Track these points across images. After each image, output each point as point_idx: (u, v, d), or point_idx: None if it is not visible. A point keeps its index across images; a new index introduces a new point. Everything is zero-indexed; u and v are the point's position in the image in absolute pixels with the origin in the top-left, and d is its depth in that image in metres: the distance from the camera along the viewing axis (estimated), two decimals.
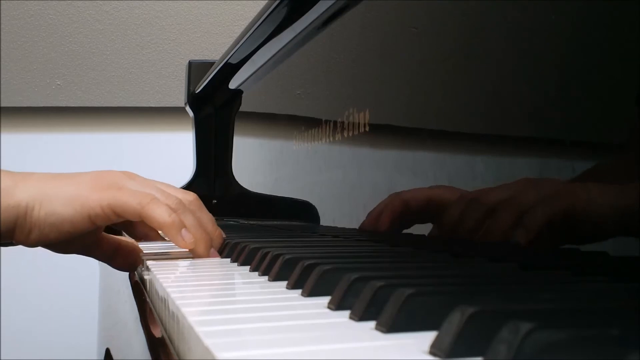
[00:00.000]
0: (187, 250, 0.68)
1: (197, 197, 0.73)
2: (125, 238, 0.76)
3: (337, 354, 0.28)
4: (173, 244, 0.69)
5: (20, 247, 0.80)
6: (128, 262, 0.73)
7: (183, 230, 0.66)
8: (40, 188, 0.65)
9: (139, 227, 0.79)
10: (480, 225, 0.50)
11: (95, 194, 0.65)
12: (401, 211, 0.63)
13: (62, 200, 0.64)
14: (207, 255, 0.68)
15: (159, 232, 0.74)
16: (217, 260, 0.69)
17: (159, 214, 0.65)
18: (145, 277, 0.64)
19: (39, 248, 0.75)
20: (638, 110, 0.37)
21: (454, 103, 0.57)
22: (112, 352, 0.84)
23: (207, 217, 0.72)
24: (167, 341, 0.43)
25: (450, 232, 0.55)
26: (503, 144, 0.50)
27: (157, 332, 0.46)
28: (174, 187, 0.73)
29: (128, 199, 0.65)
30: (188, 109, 1.53)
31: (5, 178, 0.65)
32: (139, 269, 0.71)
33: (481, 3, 0.53)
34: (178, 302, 0.41)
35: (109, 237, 0.73)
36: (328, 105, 0.85)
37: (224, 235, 0.75)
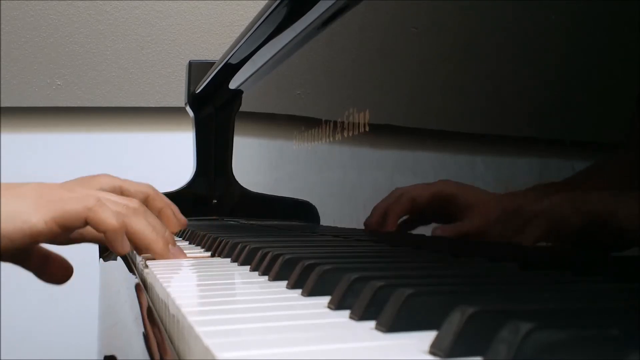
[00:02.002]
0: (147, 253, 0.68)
1: (141, 202, 0.71)
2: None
3: (337, 354, 0.28)
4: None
5: None
6: (57, 276, 0.72)
7: (124, 238, 0.65)
8: None
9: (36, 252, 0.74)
10: (483, 222, 0.50)
11: (39, 209, 0.62)
12: (407, 208, 0.63)
13: (3, 214, 0.62)
14: (169, 254, 0.68)
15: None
16: (217, 260, 0.69)
17: (107, 216, 0.63)
18: (146, 277, 0.64)
19: None
20: (638, 109, 0.37)
21: (454, 103, 0.57)
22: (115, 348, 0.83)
23: (154, 219, 0.71)
24: (167, 341, 0.43)
25: (454, 229, 0.55)
26: (503, 144, 0.50)
27: (157, 332, 0.46)
28: (115, 195, 0.71)
29: (72, 206, 0.63)
30: (188, 109, 1.53)
31: None
32: (139, 269, 0.71)
33: (481, 3, 0.53)
34: (178, 302, 0.41)
35: (39, 248, 0.71)
36: (328, 105, 0.85)
37: (186, 223, 0.76)
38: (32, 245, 0.64)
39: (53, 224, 0.62)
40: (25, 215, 0.62)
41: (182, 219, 0.85)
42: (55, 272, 0.71)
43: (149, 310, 0.53)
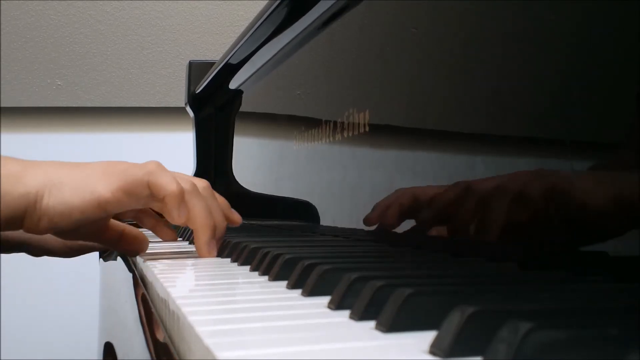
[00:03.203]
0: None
1: (209, 184, 0.73)
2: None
3: (337, 354, 0.28)
4: (174, 245, 0.69)
5: None
6: (133, 248, 0.74)
7: (182, 205, 0.66)
8: (50, 176, 0.64)
9: (146, 218, 0.78)
10: (485, 220, 0.50)
11: (105, 180, 0.65)
12: (409, 210, 0.63)
13: (72, 189, 0.64)
14: (206, 245, 0.68)
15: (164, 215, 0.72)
16: (217, 260, 0.69)
17: (166, 181, 0.65)
18: (146, 276, 0.64)
19: None
20: (638, 109, 0.37)
21: (454, 103, 0.57)
22: (115, 347, 0.84)
23: (216, 206, 0.72)
24: (168, 341, 0.43)
25: (457, 229, 0.55)
26: (503, 144, 0.50)
27: (158, 332, 0.46)
28: (187, 175, 0.73)
29: (135, 172, 0.65)
30: (188, 109, 1.53)
31: (14, 164, 0.64)
32: (139, 269, 0.71)
33: (481, 3, 0.53)
34: (178, 301, 0.41)
35: (114, 223, 0.73)
36: (328, 105, 0.85)
37: (240, 221, 0.76)
38: (104, 215, 0.66)
39: (119, 192, 0.64)
40: (92, 186, 0.64)
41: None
42: (131, 244, 0.73)
43: (150, 310, 0.54)
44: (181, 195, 0.66)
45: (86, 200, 0.64)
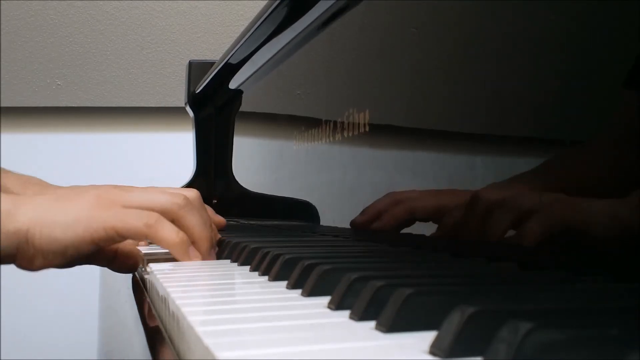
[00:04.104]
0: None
1: (199, 194, 0.73)
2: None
3: (337, 354, 0.28)
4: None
5: None
6: (127, 265, 0.73)
7: (190, 248, 0.65)
8: (41, 213, 0.63)
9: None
10: (483, 227, 0.50)
11: (98, 216, 0.63)
12: (404, 216, 0.63)
13: (64, 226, 0.63)
14: (207, 255, 0.68)
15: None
16: (217, 260, 0.69)
17: (167, 234, 0.64)
18: (146, 277, 0.64)
19: None
20: (638, 109, 0.37)
21: (454, 103, 0.57)
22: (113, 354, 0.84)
23: (207, 217, 0.72)
24: (167, 341, 0.43)
25: (454, 233, 0.55)
26: (503, 144, 0.50)
27: (157, 332, 0.46)
28: (173, 188, 0.72)
29: (133, 221, 0.63)
30: (188, 109, 1.53)
31: (5, 201, 0.63)
32: (139, 269, 0.71)
33: (481, 3, 0.53)
34: (178, 302, 0.41)
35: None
36: (328, 105, 0.85)
37: (224, 223, 0.75)
38: (97, 249, 0.65)
39: (113, 231, 0.63)
40: (85, 222, 0.63)
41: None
42: (125, 261, 0.72)
43: (149, 310, 0.54)
44: (185, 243, 0.66)
45: (79, 236, 0.63)
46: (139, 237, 0.64)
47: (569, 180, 0.43)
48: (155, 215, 0.65)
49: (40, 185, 0.87)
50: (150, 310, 0.53)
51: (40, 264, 0.64)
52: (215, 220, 0.78)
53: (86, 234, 0.63)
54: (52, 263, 0.64)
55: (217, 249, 0.72)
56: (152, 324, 0.49)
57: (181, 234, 0.65)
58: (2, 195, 0.63)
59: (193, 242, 0.68)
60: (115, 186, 0.69)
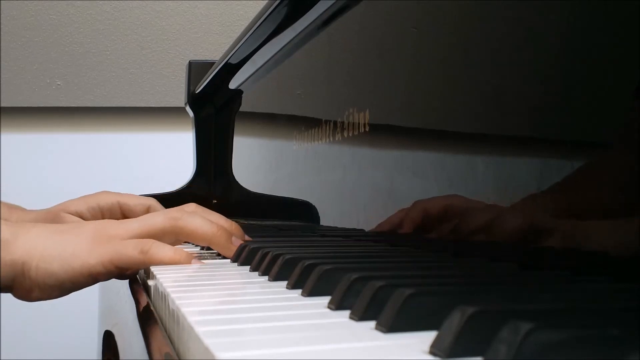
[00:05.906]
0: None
1: (196, 204, 0.74)
2: None
3: (337, 354, 0.28)
4: (175, 245, 0.69)
5: None
6: (126, 276, 0.73)
7: (193, 260, 0.65)
8: (36, 245, 0.63)
9: None
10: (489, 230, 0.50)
11: (96, 249, 0.63)
12: (422, 223, 0.63)
13: (61, 260, 0.62)
14: (226, 249, 0.68)
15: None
16: (217, 260, 0.69)
17: (163, 255, 0.64)
18: (146, 277, 0.64)
19: None
20: (638, 109, 0.37)
21: (454, 103, 0.57)
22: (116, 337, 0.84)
23: (211, 214, 0.72)
24: (168, 341, 0.43)
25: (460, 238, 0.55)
26: (503, 144, 0.50)
27: (157, 332, 0.46)
28: (172, 209, 0.73)
29: (130, 251, 0.63)
30: (188, 109, 1.53)
31: (5, 231, 0.62)
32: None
33: (481, 3, 0.53)
34: (178, 302, 0.41)
35: None
36: (328, 105, 0.85)
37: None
38: (95, 283, 0.65)
39: (111, 265, 0.63)
40: (82, 257, 0.63)
41: None
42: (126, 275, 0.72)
43: (149, 310, 0.53)
44: (188, 258, 0.65)
45: (76, 271, 0.62)
46: (137, 266, 0.64)
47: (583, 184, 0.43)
48: (150, 240, 0.64)
49: (22, 210, 0.88)
50: (150, 310, 0.53)
51: (37, 296, 0.64)
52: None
53: (84, 269, 0.63)
54: (49, 296, 0.64)
55: (246, 236, 0.73)
56: (152, 324, 0.49)
57: (178, 252, 0.64)
58: (5, 224, 0.63)
59: (209, 244, 0.68)
60: (110, 221, 0.69)
